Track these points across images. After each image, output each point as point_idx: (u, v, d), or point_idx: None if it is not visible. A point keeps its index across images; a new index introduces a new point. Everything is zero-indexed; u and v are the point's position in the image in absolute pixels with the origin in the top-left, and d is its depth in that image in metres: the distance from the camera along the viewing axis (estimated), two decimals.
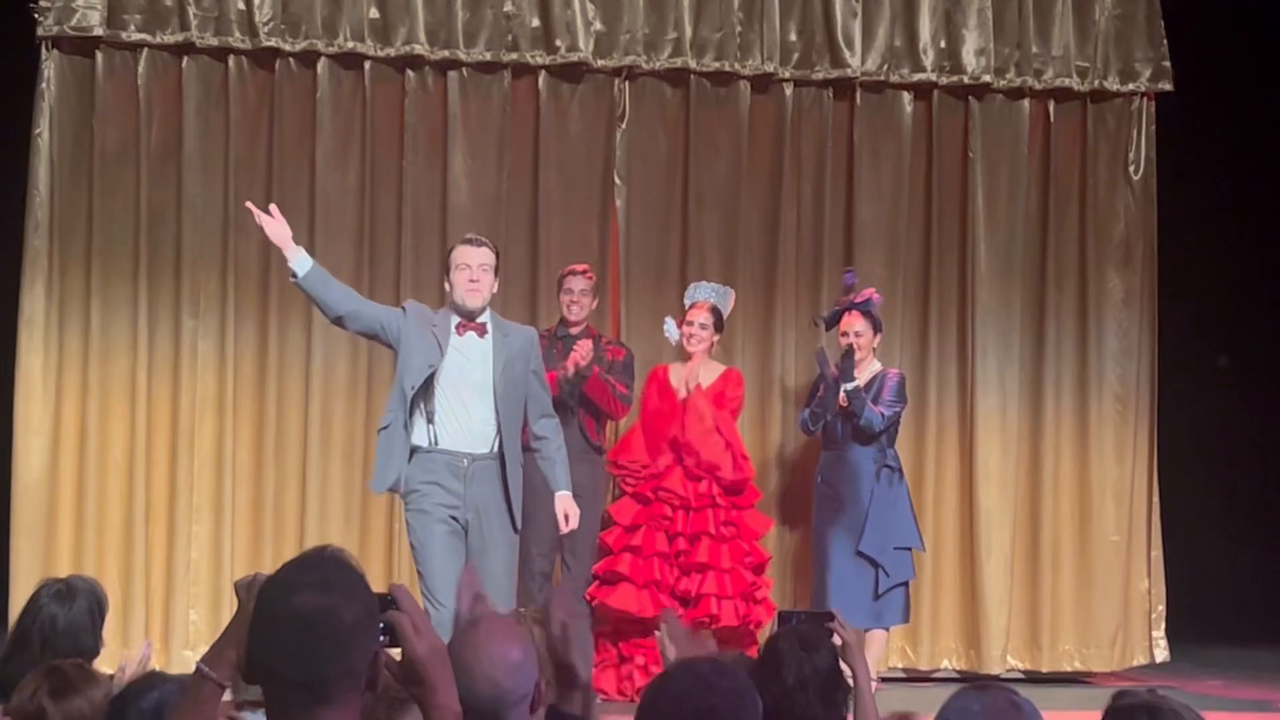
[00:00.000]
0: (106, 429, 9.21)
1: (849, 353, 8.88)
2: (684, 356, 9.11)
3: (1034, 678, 9.75)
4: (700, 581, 8.72)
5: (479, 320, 7.22)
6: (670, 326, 9.09)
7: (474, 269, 7.18)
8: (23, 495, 9.08)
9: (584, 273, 8.98)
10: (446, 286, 7.30)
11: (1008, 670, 9.76)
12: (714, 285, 9.18)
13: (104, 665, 4.83)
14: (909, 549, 8.97)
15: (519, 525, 7.18)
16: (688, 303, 9.13)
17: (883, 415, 8.82)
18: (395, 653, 2.82)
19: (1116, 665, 9.87)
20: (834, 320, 9.04)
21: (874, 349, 9.05)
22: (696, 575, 8.75)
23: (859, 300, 9.00)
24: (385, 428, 7.17)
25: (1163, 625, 10.05)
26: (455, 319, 7.19)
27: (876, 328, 9.02)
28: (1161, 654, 10.01)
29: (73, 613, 4.85)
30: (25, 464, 9.10)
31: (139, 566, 9.14)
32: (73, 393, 9.19)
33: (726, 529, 8.84)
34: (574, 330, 8.91)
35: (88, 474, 9.15)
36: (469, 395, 7.12)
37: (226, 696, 3.10)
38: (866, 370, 8.97)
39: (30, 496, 9.08)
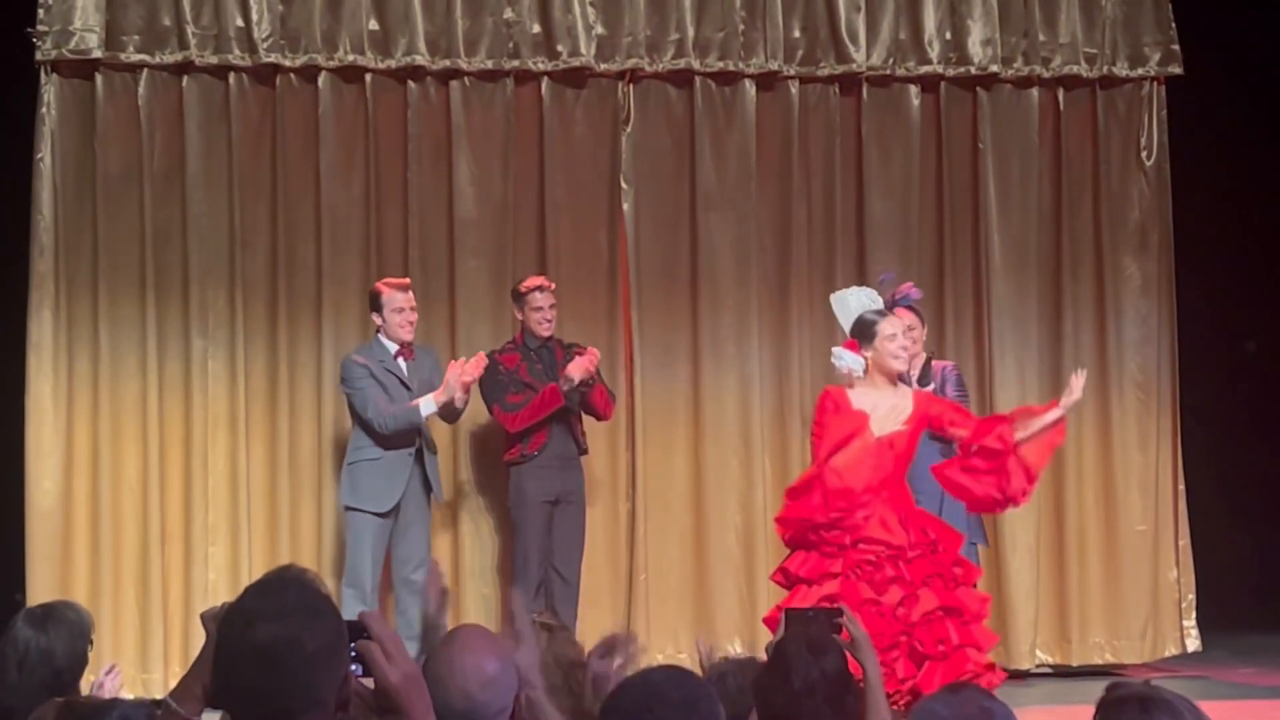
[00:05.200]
0: (119, 451, 9.16)
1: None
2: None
3: (1064, 672, 9.67)
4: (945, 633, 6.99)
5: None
6: (848, 358, 7.37)
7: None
8: (38, 521, 9.02)
9: (551, 288, 8.96)
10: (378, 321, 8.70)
11: (1037, 665, 9.68)
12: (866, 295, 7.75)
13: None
14: (975, 544, 8.61)
15: None
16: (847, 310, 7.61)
17: None
18: (369, 682, 2.75)
19: (1148, 656, 9.75)
20: None
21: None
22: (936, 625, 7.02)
23: (899, 296, 8.51)
24: None
25: (1193, 614, 9.92)
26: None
27: (923, 320, 8.45)
28: (1193, 643, 9.88)
29: (50, 638, 4.77)
30: (39, 489, 9.04)
31: (156, 589, 9.09)
32: (84, 416, 9.14)
33: (957, 570, 7.19)
34: (549, 342, 8.93)
35: (102, 498, 9.10)
36: None
37: None
38: (915, 366, 8.51)
39: (45, 522, 9.03)
